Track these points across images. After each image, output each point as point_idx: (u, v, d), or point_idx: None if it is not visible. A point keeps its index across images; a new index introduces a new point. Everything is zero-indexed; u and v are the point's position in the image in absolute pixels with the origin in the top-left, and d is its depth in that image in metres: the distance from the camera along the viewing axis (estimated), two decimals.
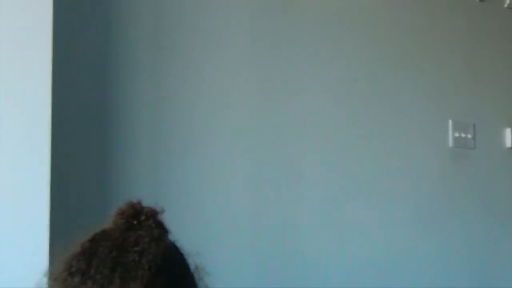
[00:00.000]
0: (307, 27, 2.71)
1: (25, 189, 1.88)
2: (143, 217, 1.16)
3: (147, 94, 2.34)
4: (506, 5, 3.27)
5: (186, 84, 2.43)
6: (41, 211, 1.87)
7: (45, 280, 1.15)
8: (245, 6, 2.56)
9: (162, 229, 1.17)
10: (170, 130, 2.37)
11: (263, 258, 2.55)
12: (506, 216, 3.17)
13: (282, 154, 2.64)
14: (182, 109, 2.41)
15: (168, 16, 2.40)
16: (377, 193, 2.86)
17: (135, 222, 1.16)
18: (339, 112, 2.79)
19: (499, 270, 3.08)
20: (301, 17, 2.70)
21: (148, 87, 2.35)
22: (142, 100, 2.33)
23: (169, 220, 1.21)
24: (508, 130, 3.22)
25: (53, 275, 1.12)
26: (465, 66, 3.13)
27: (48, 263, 1.71)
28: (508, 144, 3.22)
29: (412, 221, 2.93)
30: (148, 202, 1.22)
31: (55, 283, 1.11)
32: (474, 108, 3.14)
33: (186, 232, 1.19)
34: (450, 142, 3.05)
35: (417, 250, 2.92)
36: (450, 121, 3.06)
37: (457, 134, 3.06)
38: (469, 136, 3.09)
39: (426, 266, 2.92)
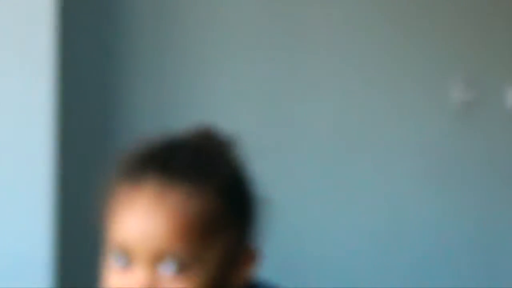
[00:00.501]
0: None
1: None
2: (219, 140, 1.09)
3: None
4: None
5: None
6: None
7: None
8: None
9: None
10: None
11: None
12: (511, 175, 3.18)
13: (286, 111, 2.68)
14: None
15: None
16: (380, 153, 2.87)
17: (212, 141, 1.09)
18: (343, 69, 2.81)
19: (505, 230, 3.10)
20: None
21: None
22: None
23: None
24: None
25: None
26: (470, 24, 3.09)
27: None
28: None
29: (416, 180, 2.94)
30: None
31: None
32: (478, 66, 3.11)
33: None
34: (454, 100, 3.04)
35: (421, 210, 2.94)
36: (455, 79, 3.04)
37: (461, 92, 3.05)
38: (473, 95, 3.09)
39: (429, 226, 2.94)
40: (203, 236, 1.02)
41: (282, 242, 2.62)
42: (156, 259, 1.01)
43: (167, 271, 1.01)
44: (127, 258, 1.02)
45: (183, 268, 1.01)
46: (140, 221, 1.02)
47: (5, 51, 1.91)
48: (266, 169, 2.59)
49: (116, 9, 2.37)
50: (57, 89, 1.93)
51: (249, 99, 2.61)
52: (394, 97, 2.93)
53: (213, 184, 1.03)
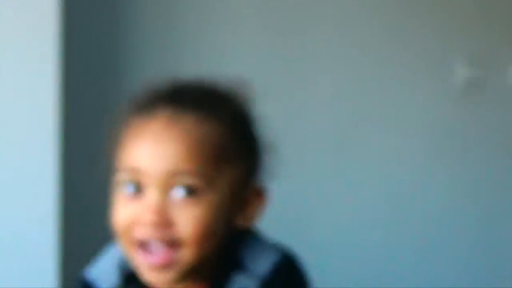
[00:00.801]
0: None
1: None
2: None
3: None
4: None
5: None
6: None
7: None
8: None
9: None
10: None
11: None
12: None
13: (291, 85, 2.68)
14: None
15: None
16: (386, 132, 2.88)
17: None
18: (350, 46, 2.81)
19: (510, 211, 3.11)
20: None
21: None
22: None
23: None
24: None
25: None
26: (476, 4, 3.09)
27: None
28: None
29: (422, 159, 2.95)
30: None
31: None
32: (485, 47, 3.11)
33: None
34: (460, 81, 3.04)
35: (428, 190, 2.94)
36: (461, 59, 3.04)
37: (467, 73, 3.05)
38: (480, 75, 3.08)
39: (437, 206, 2.95)
40: (214, 161, 1.04)
41: (286, 229, 2.59)
42: (167, 181, 1.02)
43: (177, 195, 1.02)
44: (138, 184, 1.03)
45: (193, 192, 1.02)
46: (152, 144, 1.03)
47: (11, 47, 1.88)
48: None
49: (120, 7, 2.37)
50: (61, 83, 1.91)
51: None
52: (398, 76, 2.93)
53: (221, 116, 1.06)
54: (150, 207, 1.02)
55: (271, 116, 2.53)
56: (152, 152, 1.03)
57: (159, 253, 1.03)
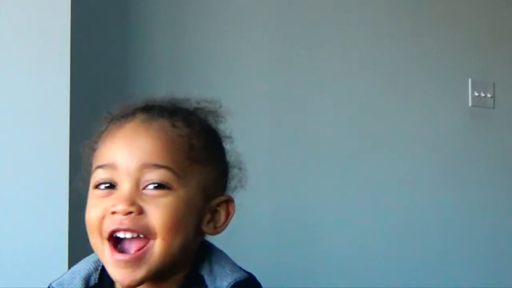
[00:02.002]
0: None
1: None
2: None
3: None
4: None
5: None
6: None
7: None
8: None
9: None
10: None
11: (277, 211, 2.63)
12: None
13: (298, 107, 2.69)
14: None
15: None
16: (396, 151, 2.88)
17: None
18: (358, 68, 2.82)
19: None
20: None
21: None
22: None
23: None
24: None
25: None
26: (485, 25, 3.11)
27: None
28: None
29: (431, 179, 2.95)
30: None
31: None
32: (494, 67, 3.12)
33: None
34: (470, 101, 3.04)
35: (435, 209, 2.94)
36: (470, 80, 3.05)
37: (476, 93, 3.05)
38: (489, 95, 3.08)
39: (443, 225, 2.95)
40: (185, 159, 1.09)
41: (295, 240, 2.62)
42: (139, 175, 1.06)
43: (149, 188, 1.06)
44: (112, 182, 1.07)
45: (164, 186, 1.06)
46: (127, 141, 1.09)
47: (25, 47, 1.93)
48: (280, 166, 2.62)
49: (130, 9, 2.41)
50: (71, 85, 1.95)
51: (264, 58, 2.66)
52: (409, 97, 2.94)
53: (192, 123, 1.12)
54: (123, 195, 1.05)
55: (283, 137, 2.60)
56: (126, 148, 1.08)
57: (129, 248, 1.05)
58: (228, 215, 1.14)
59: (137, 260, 1.04)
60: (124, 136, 1.10)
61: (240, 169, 1.18)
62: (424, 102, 2.96)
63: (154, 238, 1.05)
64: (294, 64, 2.70)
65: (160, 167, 1.06)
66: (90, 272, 1.15)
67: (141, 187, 1.06)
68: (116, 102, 1.18)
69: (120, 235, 1.05)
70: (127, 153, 1.08)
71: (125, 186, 1.06)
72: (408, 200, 2.90)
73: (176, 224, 1.05)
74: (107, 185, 1.08)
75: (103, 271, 1.13)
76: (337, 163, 2.77)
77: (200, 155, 1.10)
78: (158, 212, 1.05)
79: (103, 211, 1.06)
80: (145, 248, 1.05)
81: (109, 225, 1.05)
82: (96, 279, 1.14)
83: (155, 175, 1.06)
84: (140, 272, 1.05)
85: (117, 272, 1.05)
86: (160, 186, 1.06)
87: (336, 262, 2.70)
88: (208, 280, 1.10)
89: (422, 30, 2.97)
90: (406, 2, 2.94)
